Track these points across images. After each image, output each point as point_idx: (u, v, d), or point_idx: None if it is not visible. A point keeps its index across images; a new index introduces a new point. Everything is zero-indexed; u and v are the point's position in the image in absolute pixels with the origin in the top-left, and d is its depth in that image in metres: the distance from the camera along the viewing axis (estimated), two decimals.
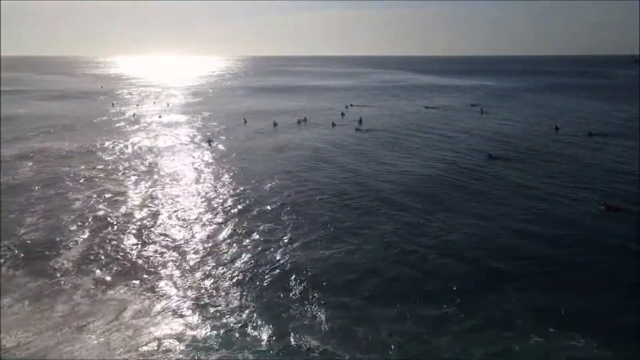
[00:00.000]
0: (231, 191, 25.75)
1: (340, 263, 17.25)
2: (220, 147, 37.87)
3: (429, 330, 13.11)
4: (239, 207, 23.17)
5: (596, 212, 22.24)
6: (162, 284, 15.72)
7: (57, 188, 26.25)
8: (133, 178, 28.61)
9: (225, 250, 18.26)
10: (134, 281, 15.82)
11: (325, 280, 15.92)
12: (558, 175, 29.17)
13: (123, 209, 22.80)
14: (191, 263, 17.22)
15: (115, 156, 34.73)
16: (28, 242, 18.86)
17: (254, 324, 13.36)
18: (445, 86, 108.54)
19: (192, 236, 19.61)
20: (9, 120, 50.96)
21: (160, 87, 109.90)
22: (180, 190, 26.01)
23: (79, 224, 20.83)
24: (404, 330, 13.08)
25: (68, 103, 71.11)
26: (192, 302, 14.58)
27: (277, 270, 16.61)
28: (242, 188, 26.26)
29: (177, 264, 17.17)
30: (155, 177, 28.96)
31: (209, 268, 16.79)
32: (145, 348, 12.31)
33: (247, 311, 14.05)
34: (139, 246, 18.65)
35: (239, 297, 14.83)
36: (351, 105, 69.35)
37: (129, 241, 19.10)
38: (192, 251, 18.22)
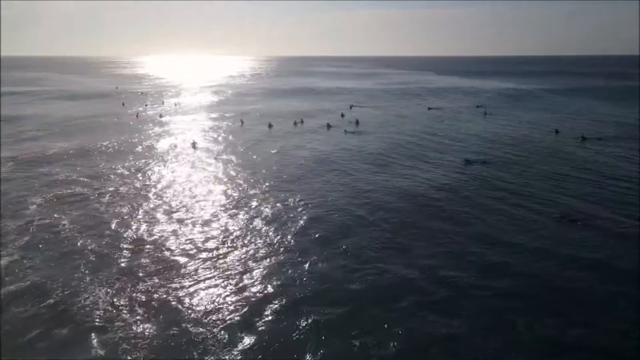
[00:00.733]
0: (183, 197, 25.75)
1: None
2: (203, 150, 37.95)
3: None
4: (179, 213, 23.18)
5: (555, 221, 21.47)
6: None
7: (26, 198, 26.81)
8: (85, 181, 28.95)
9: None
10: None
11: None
12: (531, 180, 28.30)
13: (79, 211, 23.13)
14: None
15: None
16: None
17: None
18: (457, 87, 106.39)
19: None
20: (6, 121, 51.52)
21: (176, 88, 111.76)
22: (134, 195, 26.09)
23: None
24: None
25: (76, 103, 72.67)
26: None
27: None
28: (188, 196, 26.28)
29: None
30: (113, 178, 29.13)
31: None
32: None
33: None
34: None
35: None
36: (352, 106, 68.87)
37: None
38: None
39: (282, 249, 18.55)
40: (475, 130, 47.22)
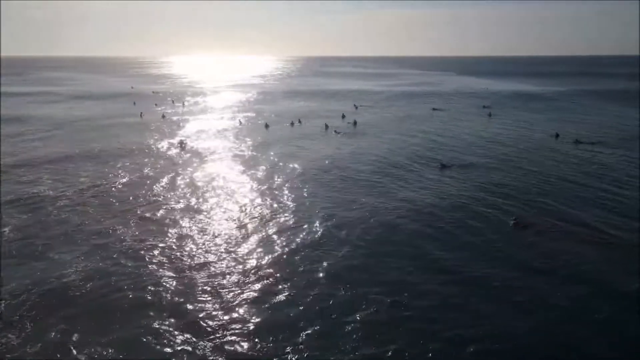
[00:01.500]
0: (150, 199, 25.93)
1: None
2: (190, 150, 38.20)
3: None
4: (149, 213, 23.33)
5: (508, 227, 20.88)
6: None
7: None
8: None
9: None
10: None
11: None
12: (504, 183, 27.63)
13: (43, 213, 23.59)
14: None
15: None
16: None
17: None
18: (472, 87, 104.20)
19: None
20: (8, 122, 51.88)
21: (192, 87, 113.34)
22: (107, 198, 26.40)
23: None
24: None
25: (86, 103, 74.32)
26: None
27: None
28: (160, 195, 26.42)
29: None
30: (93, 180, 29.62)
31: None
32: None
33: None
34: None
35: None
36: (357, 106, 68.35)
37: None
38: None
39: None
40: (473, 132, 46.17)
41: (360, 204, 23.80)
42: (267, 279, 16.28)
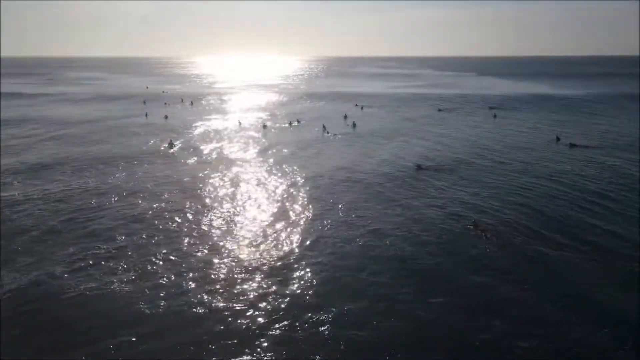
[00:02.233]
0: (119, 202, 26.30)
1: None
2: (179, 150, 38.52)
3: None
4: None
5: (466, 231, 20.62)
6: None
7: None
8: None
9: None
10: None
11: None
12: (477, 186, 27.18)
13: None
14: None
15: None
16: None
17: None
18: (487, 88, 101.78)
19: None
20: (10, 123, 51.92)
21: (211, 87, 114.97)
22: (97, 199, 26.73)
23: None
24: None
25: (102, 104, 76.17)
26: None
27: None
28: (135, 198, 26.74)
29: None
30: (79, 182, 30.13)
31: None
32: None
33: None
34: None
35: None
36: (363, 107, 67.92)
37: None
38: None
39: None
40: (471, 133, 45.14)
41: (330, 203, 23.59)
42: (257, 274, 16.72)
